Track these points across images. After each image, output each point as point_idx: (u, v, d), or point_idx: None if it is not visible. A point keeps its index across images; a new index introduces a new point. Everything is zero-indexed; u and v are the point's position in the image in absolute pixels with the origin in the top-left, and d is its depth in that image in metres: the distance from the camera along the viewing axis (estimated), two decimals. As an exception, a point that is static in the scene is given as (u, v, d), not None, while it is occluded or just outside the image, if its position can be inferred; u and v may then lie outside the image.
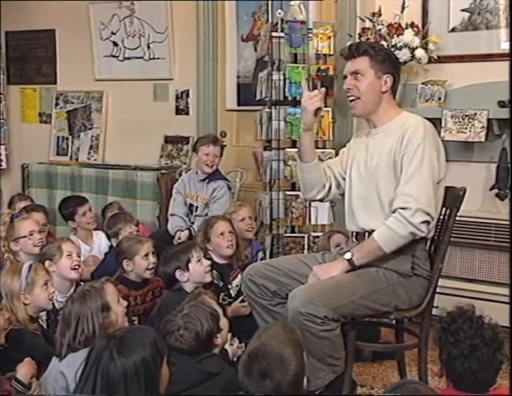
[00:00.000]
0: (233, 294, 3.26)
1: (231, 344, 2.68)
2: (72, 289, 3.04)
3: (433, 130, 2.55)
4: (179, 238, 3.78)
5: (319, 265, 2.60)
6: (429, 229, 2.47)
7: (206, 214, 3.88)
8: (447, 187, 2.59)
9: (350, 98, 2.59)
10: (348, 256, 2.50)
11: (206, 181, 4.00)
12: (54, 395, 2.19)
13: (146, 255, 3.10)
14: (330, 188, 2.74)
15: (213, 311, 2.41)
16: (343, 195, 2.75)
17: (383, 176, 2.52)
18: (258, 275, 2.64)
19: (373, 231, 2.50)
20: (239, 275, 3.25)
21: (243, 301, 3.07)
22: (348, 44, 3.69)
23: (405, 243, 2.45)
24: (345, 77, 2.61)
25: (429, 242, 2.63)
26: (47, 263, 2.99)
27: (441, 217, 2.62)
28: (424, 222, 2.41)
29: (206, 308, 2.39)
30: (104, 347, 1.83)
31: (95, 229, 4.17)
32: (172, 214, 4.03)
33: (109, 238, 3.74)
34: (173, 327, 2.31)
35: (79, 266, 3.09)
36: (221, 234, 3.32)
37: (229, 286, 3.28)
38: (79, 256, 3.15)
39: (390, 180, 2.50)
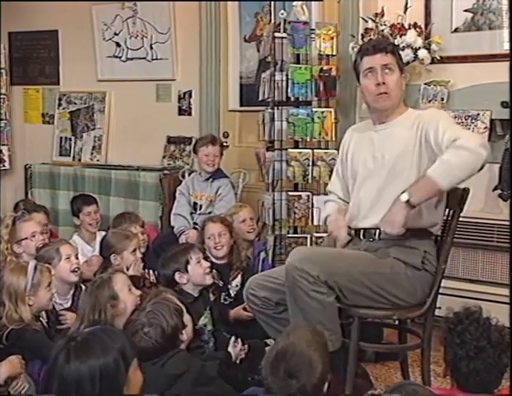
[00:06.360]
0: (232, 294, 3.28)
1: (235, 346, 2.69)
2: (71, 291, 3.04)
3: None
4: (186, 240, 3.76)
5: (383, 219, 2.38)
6: (488, 154, 2.27)
7: (210, 213, 3.89)
8: (450, 188, 2.59)
9: (382, 92, 2.54)
10: (404, 197, 2.30)
11: (210, 179, 4.02)
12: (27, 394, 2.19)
13: (134, 251, 3.14)
14: None
15: (176, 306, 2.40)
16: None
17: (403, 167, 2.49)
18: (258, 288, 2.62)
19: None
20: (239, 276, 3.26)
21: (245, 309, 3.06)
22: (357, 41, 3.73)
23: (462, 177, 2.29)
24: (369, 69, 2.55)
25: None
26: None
27: (444, 217, 2.61)
28: (480, 145, 2.27)
29: (169, 304, 2.38)
30: (61, 349, 1.76)
31: (99, 230, 4.17)
32: (175, 214, 4.03)
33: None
34: (138, 326, 2.28)
35: (79, 268, 3.07)
36: (211, 236, 3.35)
37: (229, 286, 3.29)
38: (77, 258, 3.13)
39: (411, 168, 2.47)
